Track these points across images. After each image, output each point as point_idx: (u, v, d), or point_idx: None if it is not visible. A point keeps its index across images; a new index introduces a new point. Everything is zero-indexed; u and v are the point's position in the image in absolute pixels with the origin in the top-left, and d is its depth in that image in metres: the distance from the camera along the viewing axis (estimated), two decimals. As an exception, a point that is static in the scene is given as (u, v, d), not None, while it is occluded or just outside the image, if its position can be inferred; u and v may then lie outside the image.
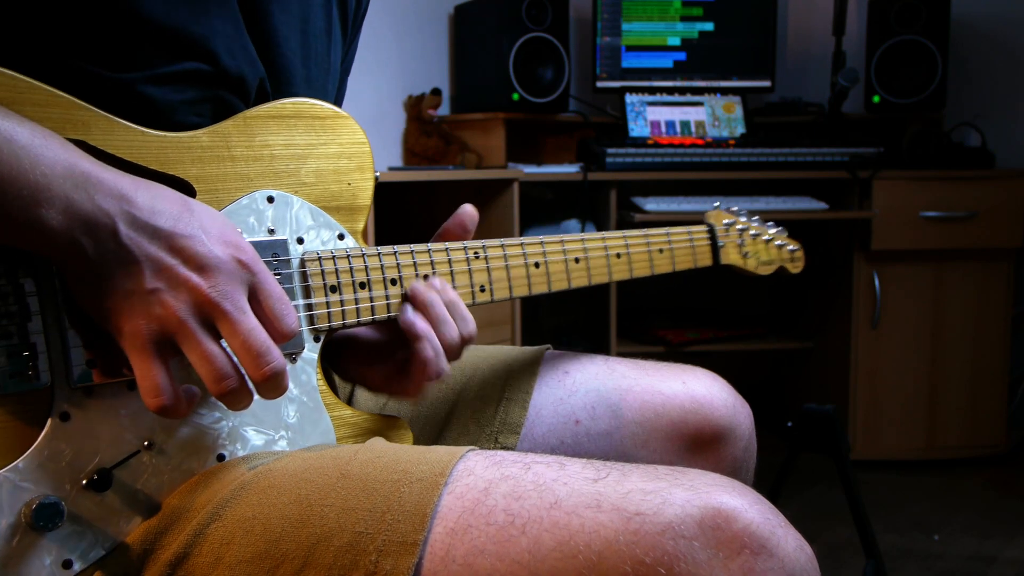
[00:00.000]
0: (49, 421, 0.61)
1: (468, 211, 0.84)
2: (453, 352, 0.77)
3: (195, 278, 0.59)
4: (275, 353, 0.61)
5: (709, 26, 2.87)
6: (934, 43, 2.59)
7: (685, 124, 2.80)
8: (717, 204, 1.13)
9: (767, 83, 2.89)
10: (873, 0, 2.67)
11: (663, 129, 2.79)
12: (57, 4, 0.64)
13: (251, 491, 0.63)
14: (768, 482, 1.77)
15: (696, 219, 1.10)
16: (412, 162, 2.72)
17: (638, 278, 0.97)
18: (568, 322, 2.93)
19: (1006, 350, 2.62)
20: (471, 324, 0.78)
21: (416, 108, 2.68)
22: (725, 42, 2.88)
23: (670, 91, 2.85)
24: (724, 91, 2.87)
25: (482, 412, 0.89)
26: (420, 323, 0.75)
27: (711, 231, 1.07)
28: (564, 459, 0.63)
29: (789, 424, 1.77)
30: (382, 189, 2.10)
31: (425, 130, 2.67)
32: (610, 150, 2.54)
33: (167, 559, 0.62)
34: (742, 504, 0.56)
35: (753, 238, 1.12)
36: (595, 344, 2.71)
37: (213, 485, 0.65)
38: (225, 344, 0.61)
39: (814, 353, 2.85)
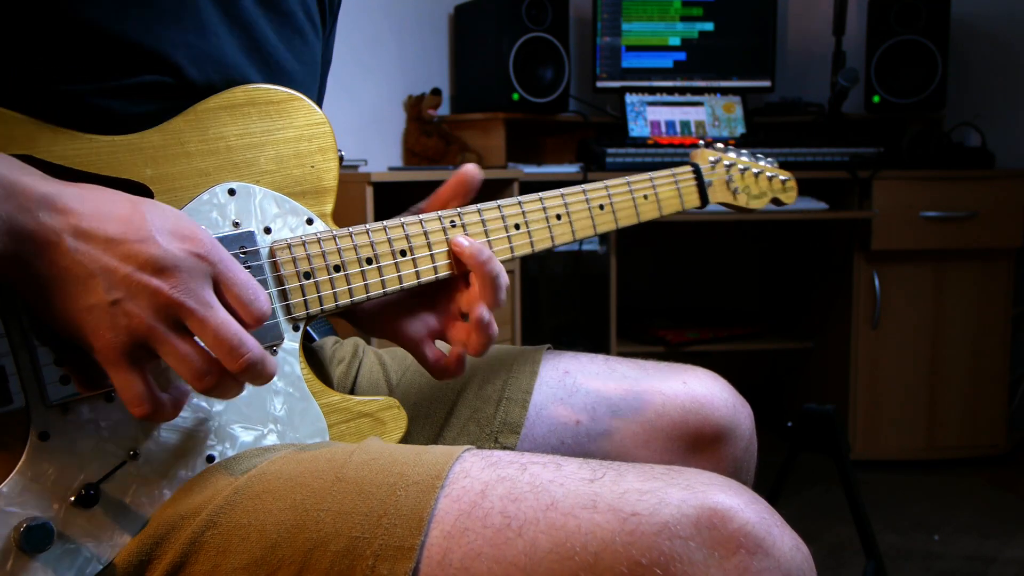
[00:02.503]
0: (28, 442, 0.60)
1: (469, 169, 0.82)
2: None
3: (155, 282, 0.57)
4: (249, 343, 0.60)
5: (709, 26, 2.87)
6: (934, 43, 2.59)
7: (685, 124, 2.80)
8: (702, 143, 1.10)
9: (767, 83, 2.89)
10: (873, 0, 2.66)
11: (663, 129, 2.79)
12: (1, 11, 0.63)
13: (246, 497, 0.63)
14: (768, 482, 1.77)
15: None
16: (412, 162, 2.72)
17: (625, 227, 0.95)
18: (568, 322, 2.93)
19: (1006, 350, 2.62)
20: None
21: (416, 108, 2.68)
22: (725, 42, 2.88)
23: (670, 91, 2.85)
24: (724, 91, 2.87)
25: (482, 412, 0.89)
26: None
27: (696, 170, 1.03)
28: (560, 459, 0.63)
29: (789, 424, 1.77)
30: (382, 189, 2.10)
31: (425, 130, 2.67)
32: (610, 150, 2.54)
33: (164, 569, 0.62)
34: (738, 503, 0.56)
35: (742, 172, 1.08)
36: (595, 344, 2.71)
37: (206, 491, 0.64)
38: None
39: (814, 353, 2.85)
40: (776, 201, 1.14)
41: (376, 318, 0.84)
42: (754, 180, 1.10)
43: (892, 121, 2.76)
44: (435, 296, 0.83)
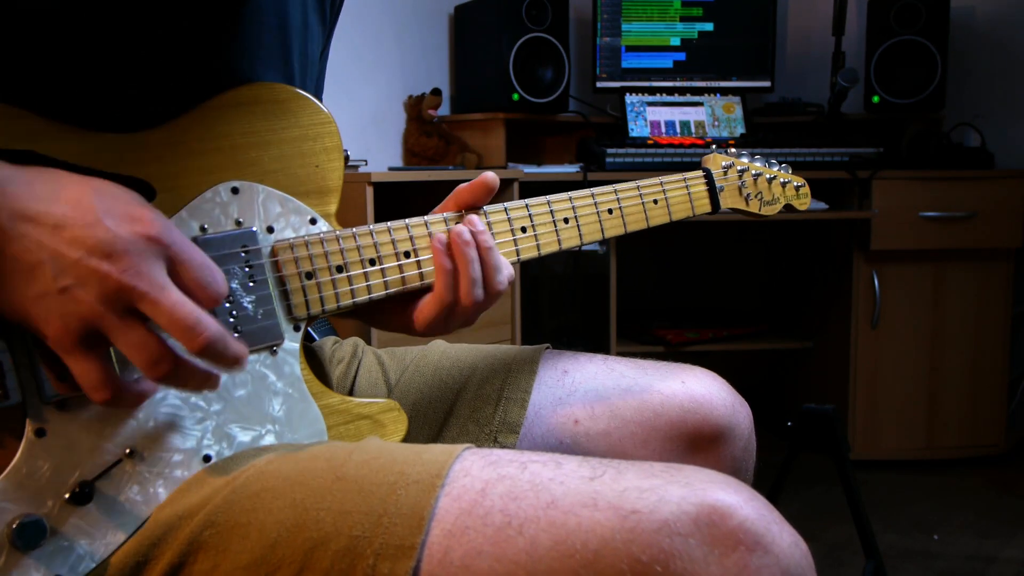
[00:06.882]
0: (24, 438, 0.60)
1: (490, 176, 0.80)
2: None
3: (104, 266, 0.55)
4: (206, 321, 0.57)
5: (709, 26, 2.87)
6: (934, 43, 2.59)
7: (685, 124, 2.80)
8: (714, 148, 1.07)
9: (767, 83, 2.89)
10: (873, 0, 2.67)
11: (663, 129, 2.79)
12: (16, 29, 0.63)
13: (244, 496, 0.62)
14: (768, 482, 1.77)
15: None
16: (412, 162, 2.72)
17: (633, 232, 0.92)
18: (568, 322, 2.93)
19: (1006, 350, 2.62)
20: (507, 271, 0.79)
21: (416, 108, 2.68)
22: (725, 42, 2.88)
23: (670, 91, 2.85)
24: (724, 91, 2.87)
25: (481, 412, 0.89)
26: (446, 262, 0.76)
27: (708, 175, 1.00)
28: (560, 457, 0.63)
29: (789, 424, 1.77)
30: (382, 189, 2.10)
31: (425, 130, 2.67)
32: (610, 150, 2.54)
33: (163, 570, 0.62)
34: (737, 500, 0.56)
35: (755, 178, 1.05)
36: (595, 344, 2.71)
37: (204, 490, 0.64)
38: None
39: (814, 353, 2.85)
40: (789, 208, 1.10)
41: (383, 313, 0.84)
42: (767, 186, 1.06)
43: (891, 121, 2.76)
44: None
